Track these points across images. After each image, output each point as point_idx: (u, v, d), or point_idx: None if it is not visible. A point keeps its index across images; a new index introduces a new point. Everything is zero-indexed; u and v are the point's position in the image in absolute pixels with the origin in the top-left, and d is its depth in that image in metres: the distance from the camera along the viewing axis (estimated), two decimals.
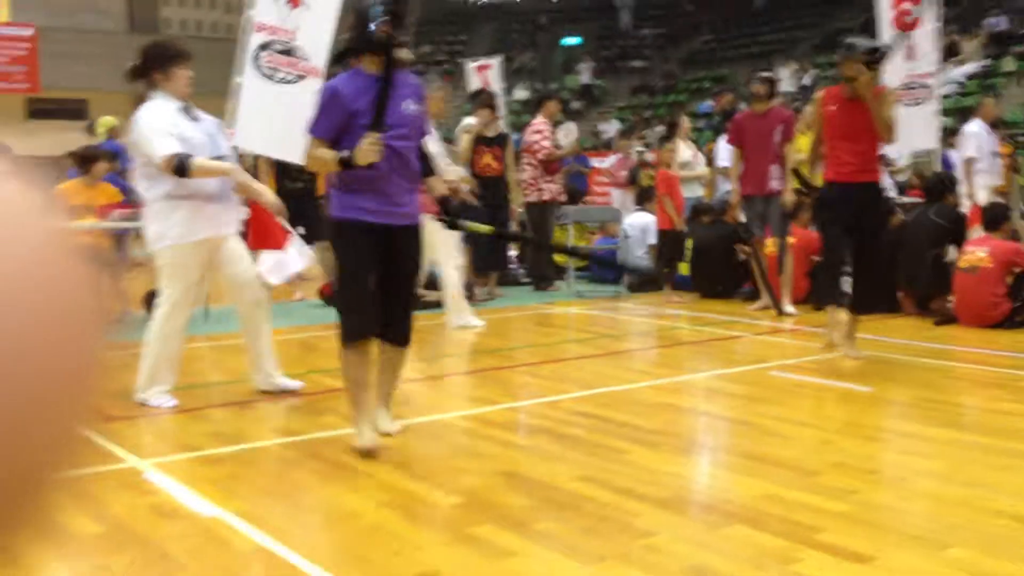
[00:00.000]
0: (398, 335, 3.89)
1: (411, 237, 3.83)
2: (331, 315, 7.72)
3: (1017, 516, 2.97)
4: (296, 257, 4.98)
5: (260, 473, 3.59)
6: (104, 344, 0.65)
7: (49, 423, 0.60)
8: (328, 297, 8.43)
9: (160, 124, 4.37)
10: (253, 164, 7.62)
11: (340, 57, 3.98)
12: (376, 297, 3.76)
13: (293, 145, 6.71)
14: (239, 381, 5.04)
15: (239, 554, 2.80)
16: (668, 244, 8.81)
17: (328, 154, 3.62)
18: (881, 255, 5.65)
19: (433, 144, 6.68)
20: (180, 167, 4.27)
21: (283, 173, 7.80)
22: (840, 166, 5.34)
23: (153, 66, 4.54)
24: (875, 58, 5.29)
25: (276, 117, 6.92)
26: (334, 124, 3.65)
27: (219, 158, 4.52)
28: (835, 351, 5.43)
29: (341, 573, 2.61)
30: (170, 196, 4.40)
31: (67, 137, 16.10)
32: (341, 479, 3.46)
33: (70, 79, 21.55)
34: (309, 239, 8.73)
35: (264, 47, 7.01)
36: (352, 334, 3.75)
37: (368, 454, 3.67)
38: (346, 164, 3.59)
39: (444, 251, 6.75)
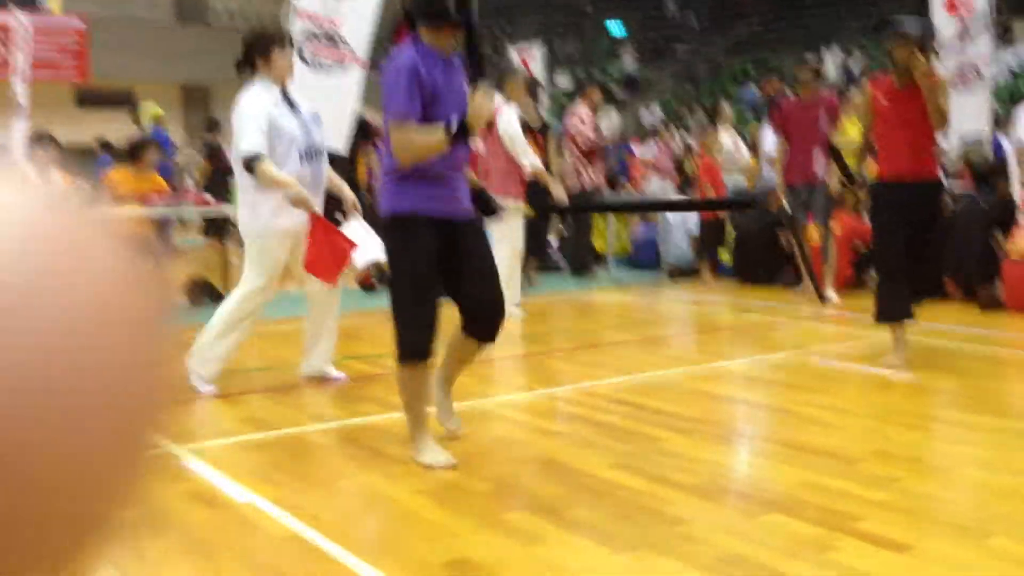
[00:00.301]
0: (486, 332, 3.56)
1: (478, 231, 3.54)
2: (369, 302, 7.78)
3: None
4: (373, 243, 4.88)
5: (296, 460, 3.61)
6: (166, 343, 0.64)
7: (125, 431, 0.60)
8: (367, 285, 8.48)
9: (255, 113, 4.36)
10: None
11: (411, 22, 3.37)
12: (462, 293, 3.46)
13: (336, 135, 6.75)
14: (278, 368, 5.08)
15: (273, 540, 2.82)
16: (709, 232, 8.73)
17: (432, 130, 3.17)
18: (936, 247, 5.28)
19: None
20: (248, 166, 4.32)
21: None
22: (895, 162, 4.91)
23: (254, 52, 4.54)
24: (928, 41, 4.93)
25: (319, 106, 6.94)
26: (420, 104, 3.22)
27: (313, 150, 4.52)
28: (898, 370, 4.85)
29: (374, 560, 2.61)
30: (261, 185, 4.41)
31: (113, 126, 16.32)
32: (376, 466, 3.47)
33: (118, 69, 21.85)
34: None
35: (307, 35, 7.04)
36: (412, 354, 3.38)
37: (451, 467, 3.39)
38: (460, 133, 3.15)
39: (498, 235, 6.68)
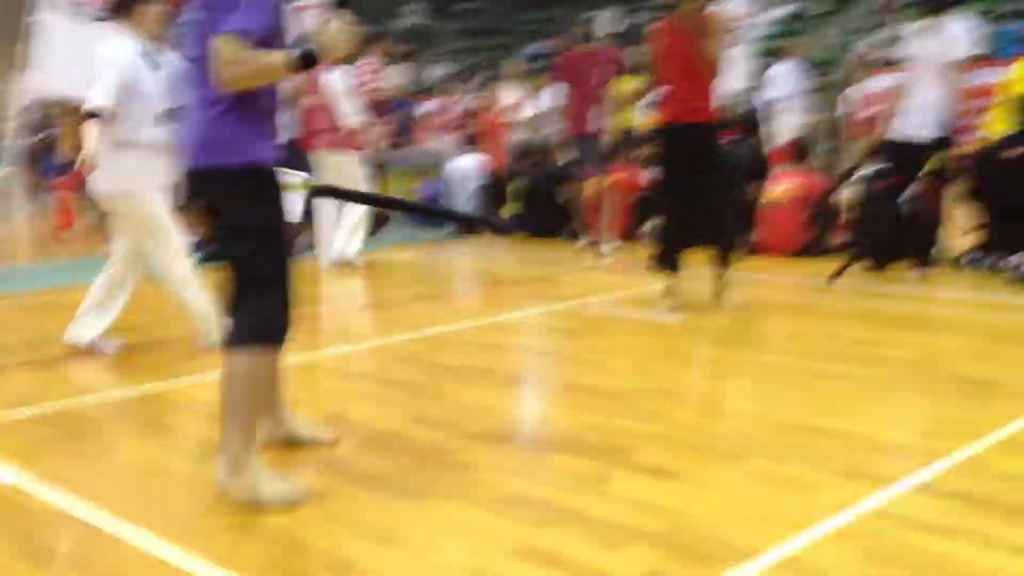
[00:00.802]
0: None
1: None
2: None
3: (807, 427, 3.20)
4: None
5: (65, 435, 3.41)
6: None
7: None
8: None
9: (109, 69, 4.21)
10: (54, 113, 7.15)
11: None
12: None
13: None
14: (42, 340, 4.75)
15: (41, 517, 2.66)
16: (492, 187, 8.89)
17: (275, 56, 2.60)
18: (723, 200, 5.43)
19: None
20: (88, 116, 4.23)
21: None
22: (677, 105, 5.05)
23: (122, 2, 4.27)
24: None
25: (83, 57, 6.44)
26: (267, 21, 2.63)
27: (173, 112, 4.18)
28: (670, 313, 5.15)
29: (155, 528, 2.52)
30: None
31: None
32: (154, 436, 3.34)
33: None
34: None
35: None
36: (277, 334, 2.76)
37: (302, 501, 2.71)
38: (306, 62, 2.62)
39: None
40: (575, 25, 7.85)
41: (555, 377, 4.20)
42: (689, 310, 5.18)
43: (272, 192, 2.76)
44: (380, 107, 9.02)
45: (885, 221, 6.12)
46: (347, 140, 7.22)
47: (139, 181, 4.33)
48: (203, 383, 3.90)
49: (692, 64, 4.98)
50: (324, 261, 7.23)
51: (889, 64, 14.06)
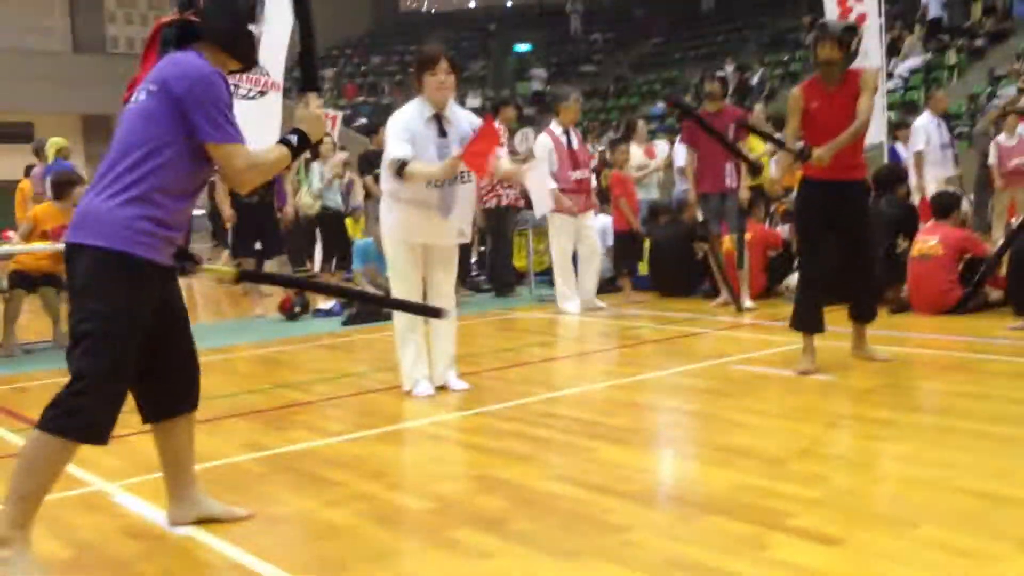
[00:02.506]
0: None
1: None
2: (292, 329, 7.70)
3: (981, 493, 3.04)
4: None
5: (231, 489, 3.56)
6: None
7: None
8: (287, 311, 8.39)
9: (395, 129, 4.76)
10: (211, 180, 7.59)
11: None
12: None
13: None
14: (207, 397, 4.98)
15: (214, 570, 2.78)
16: (625, 245, 8.88)
17: (279, 149, 2.97)
18: (874, 256, 5.36)
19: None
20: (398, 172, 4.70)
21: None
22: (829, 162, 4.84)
23: (415, 73, 4.88)
24: (850, 36, 4.90)
25: (249, 133, 6.88)
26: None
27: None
28: (810, 373, 4.97)
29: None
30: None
31: (13, 160, 15.81)
32: (314, 491, 3.45)
33: (15, 101, 21.19)
34: (266, 254, 8.73)
35: None
36: (86, 430, 2.66)
37: None
38: (301, 145, 3.00)
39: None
40: (708, 83, 7.82)
41: (700, 436, 4.14)
42: (836, 369, 5.02)
43: (133, 287, 2.70)
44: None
45: None
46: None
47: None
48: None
49: (843, 123, 4.86)
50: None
51: None
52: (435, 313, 3.93)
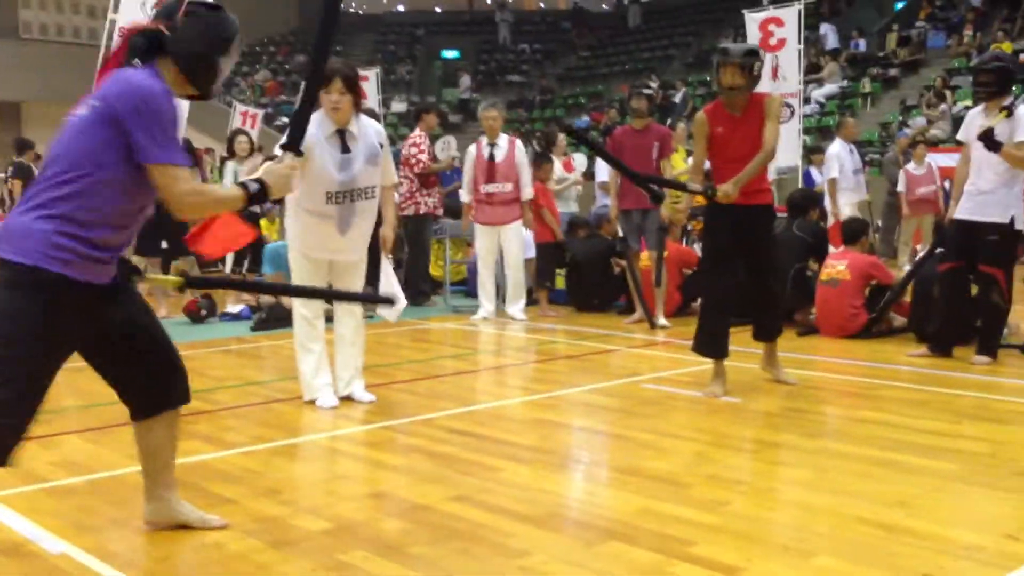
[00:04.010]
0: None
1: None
2: (197, 332, 7.45)
3: (879, 523, 3.06)
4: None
5: (113, 504, 3.38)
6: None
7: None
8: (192, 313, 8.14)
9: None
10: None
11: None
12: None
13: None
14: (95, 405, 4.76)
15: None
16: (545, 259, 8.85)
17: (234, 191, 2.89)
18: (776, 277, 5.42)
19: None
20: None
21: None
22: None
23: None
24: (752, 61, 4.89)
25: None
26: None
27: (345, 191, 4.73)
28: (721, 399, 4.95)
29: None
30: None
31: None
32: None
33: None
34: (174, 253, 8.45)
35: None
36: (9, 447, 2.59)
37: None
38: (259, 197, 2.90)
39: None
40: (635, 99, 7.79)
41: (608, 458, 4.10)
42: (744, 392, 5.05)
43: (49, 308, 2.55)
44: (428, 179, 9.11)
45: (951, 304, 5.96)
46: None
47: None
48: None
49: (748, 148, 4.87)
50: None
51: (942, 143, 13.98)
52: (387, 301, 4.19)
